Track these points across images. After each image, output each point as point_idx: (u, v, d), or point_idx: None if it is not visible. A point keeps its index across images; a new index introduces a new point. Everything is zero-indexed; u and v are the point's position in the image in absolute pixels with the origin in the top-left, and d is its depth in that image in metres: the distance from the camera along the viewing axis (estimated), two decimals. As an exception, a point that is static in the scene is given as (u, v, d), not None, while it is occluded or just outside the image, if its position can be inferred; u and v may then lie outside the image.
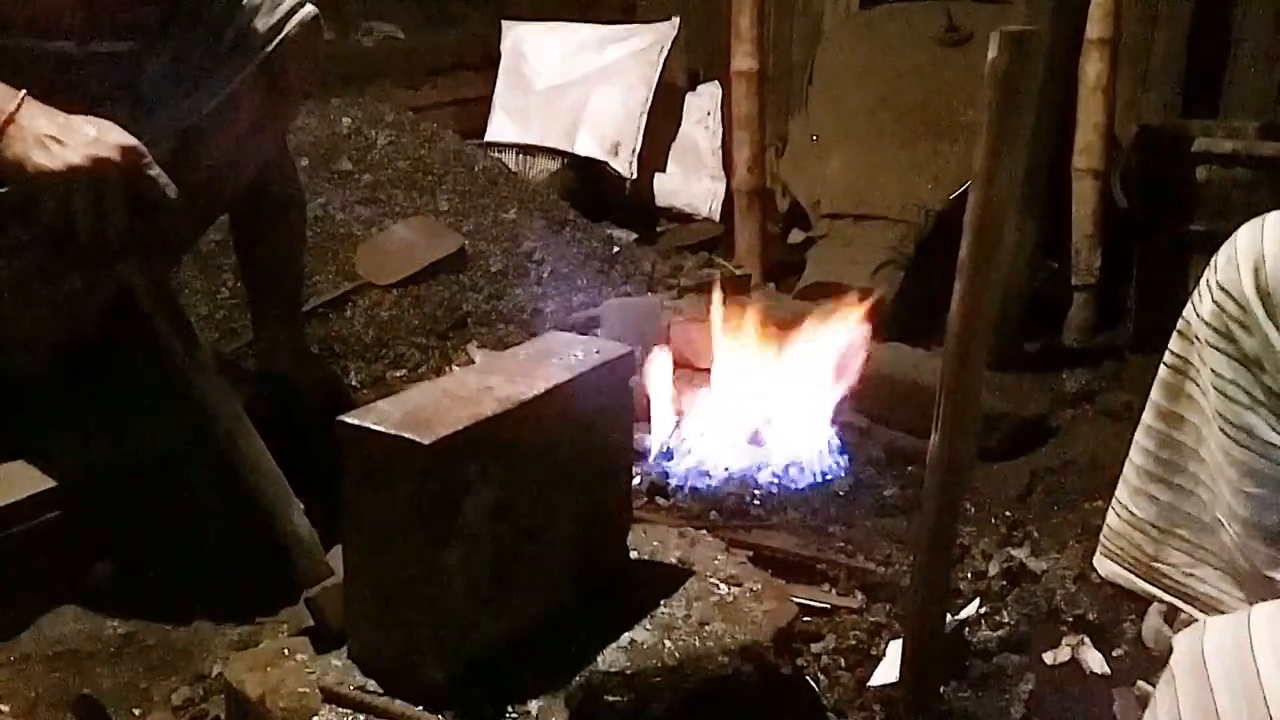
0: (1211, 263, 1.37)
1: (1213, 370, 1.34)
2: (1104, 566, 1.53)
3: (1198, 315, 1.37)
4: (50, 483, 1.55)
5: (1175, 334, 1.41)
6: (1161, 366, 1.44)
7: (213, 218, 1.81)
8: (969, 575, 1.84)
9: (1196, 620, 1.47)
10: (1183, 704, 0.99)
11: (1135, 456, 1.48)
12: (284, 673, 1.25)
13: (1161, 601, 1.51)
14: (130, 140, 1.35)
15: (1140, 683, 1.56)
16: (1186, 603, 1.47)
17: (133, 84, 1.51)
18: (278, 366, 1.95)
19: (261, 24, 1.60)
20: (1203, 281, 1.37)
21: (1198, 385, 1.39)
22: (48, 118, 1.33)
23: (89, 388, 1.75)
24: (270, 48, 1.61)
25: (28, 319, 1.64)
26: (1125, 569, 1.50)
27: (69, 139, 1.31)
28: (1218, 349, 1.33)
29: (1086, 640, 1.67)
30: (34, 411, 1.68)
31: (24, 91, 1.32)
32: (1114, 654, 1.65)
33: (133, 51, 1.51)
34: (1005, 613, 1.74)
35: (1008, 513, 2.05)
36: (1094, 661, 1.64)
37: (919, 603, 1.27)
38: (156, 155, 1.40)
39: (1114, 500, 1.52)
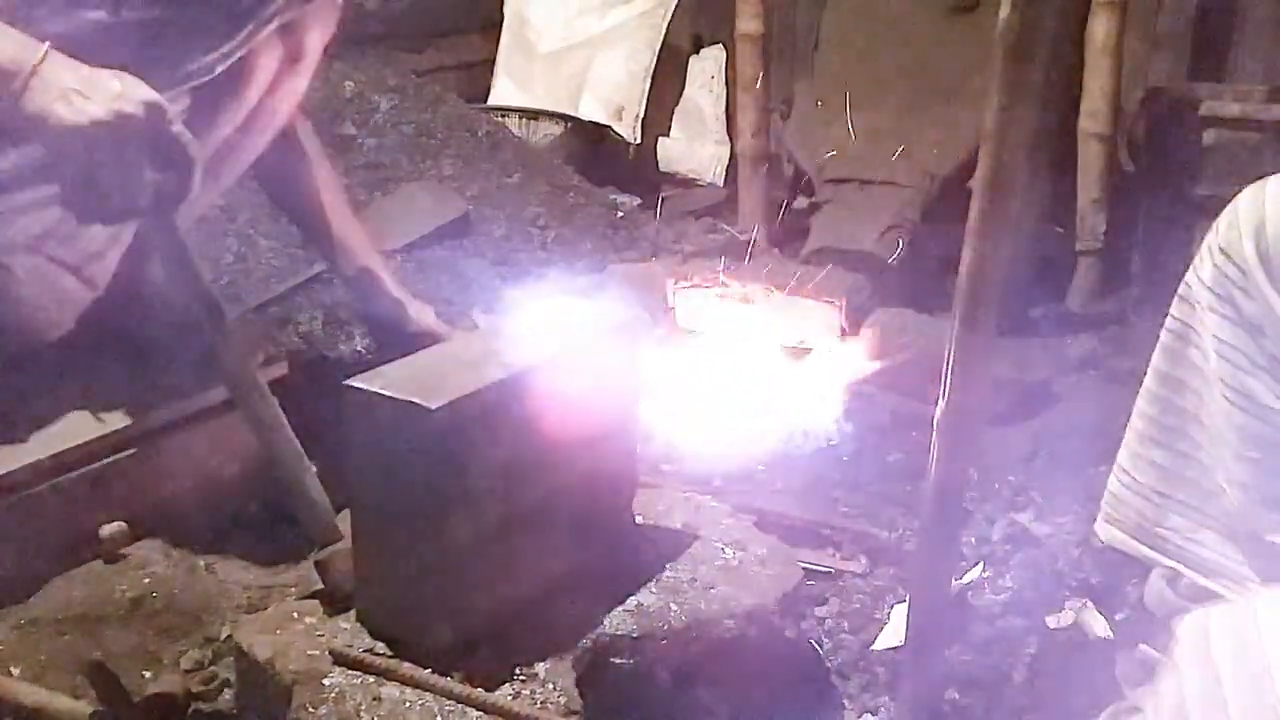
0: (1214, 226, 1.37)
1: (1214, 335, 1.34)
2: (1105, 531, 1.54)
3: (1199, 280, 1.37)
4: (62, 446, 1.55)
5: (1176, 298, 1.42)
6: (1163, 331, 1.44)
7: (225, 182, 1.81)
8: (972, 539, 1.84)
9: (1199, 585, 1.47)
10: (1189, 695, 0.99)
11: (1137, 421, 1.48)
12: (293, 635, 1.26)
13: (1163, 566, 1.52)
14: (154, 96, 1.34)
15: (1143, 646, 1.56)
16: (1188, 567, 1.47)
17: (157, 46, 1.51)
18: (379, 309, 1.98)
19: None
20: (1204, 245, 1.37)
21: (1199, 350, 1.39)
22: (72, 71, 1.31)
23: (102, 348, 1.75)
24: (288, 13, 1.60)
25: (46, 278, 1.64)
26: (1126, 534, 1.51)
27: (92, 92, 1.30)
28: (1219, 313, 1.33)
29: (1089, 604, 1.68)
30: (49, 373, 1.68)
31: (48, 44, 1.31)
32: (1117, 618, 1.65)
33: (161, 17, 1.51)
34: (1008, 577, 1.75)
35: (1011, 477, 2.05)
36: (1097, 625, 1.65)
37: (925, 567, 1.28)
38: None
39: (1115, 465, 1.52)
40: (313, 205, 2.00)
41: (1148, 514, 1.47)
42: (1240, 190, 1.38)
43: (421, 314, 2.06)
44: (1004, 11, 1.03)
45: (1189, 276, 1.39)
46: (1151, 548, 1.48)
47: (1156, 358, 1.45)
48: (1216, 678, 0.96)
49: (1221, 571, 1.43)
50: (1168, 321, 1.42)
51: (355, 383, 1.20)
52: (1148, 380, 1.46)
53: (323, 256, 2.18)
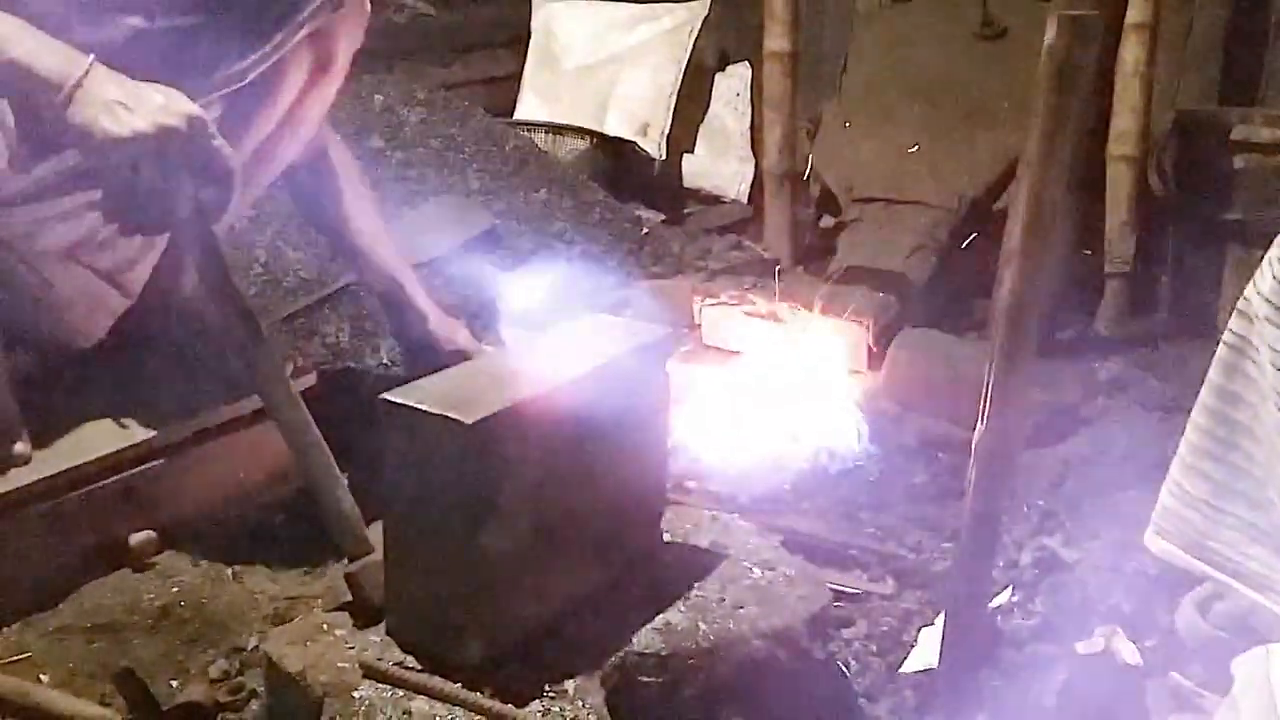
0: (1276, 240, 1.37)
1: (1270, 347, 1.34)
2: (1155, 544, 1.52)
3: (1258, 292, 1.36)
4: (93, 454, 1.56)
5: (1235, 312, 1.41)
6: (1220, 345, 1.43)
7: (256, 190, 1.82)
8: (1001, 563, 1.83)
9: (1234, 612, 1.46)
10: None
11: (1190, 434, 1.47)
12: (324, 648, 1.26)
13: (1213, 580, 1.51)
14: (196, 109, 1.35)
15: (1173, 674, 1.55)
16: (1238, 581, 1.46)
17: (190, 54, 1.52)
18: (410, 328, 1.99)
19: None
20: (1265, 259, 1.37)
21: (1255, 363, 1.38)
22: (116, 84, 1.33)
23: (135, 356, 1.76)
24: (318, 20, 1.61)
25: (81, 284, 1.65)
26: (1176, 546, 1.49)
27: (136, 105, 1.31)
28: (1277, 326, 1.33)
29: (1119, 630, 1.66)
30: (82, 380, 1.69)
31: (92, 56, 1.32)
32: (1147, 645, 1.64)
33: (195, 25, 1.52)
34: (1038, 602, 1.73)
35: (1040, 501, 2.03)
36: (1127, 652, 1.63)
37: (961, 591, 1.27)
38: None
39: (1168, 478, 1.51)
40: (345, 223, 2.00)
41: (1199, 526, 1.46)
42: (1268, 218, 1.37)
43: (454, 332, 2.06)
44: (1050, 35, 1.03)
45: (1248, 290, 1.38)
46: (1202, 561, 1.47)
47: (1212, 371, 1.44)
48: (1276, 714, 0.95)
49: (1272, 586, 1.42)
50: (1225, 335, 1.42)
51: (391, 397, 1.20)
52: (1203, 393, 1.45)
53: (355, 273, 2.19)
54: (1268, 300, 1.32)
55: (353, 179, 2.01)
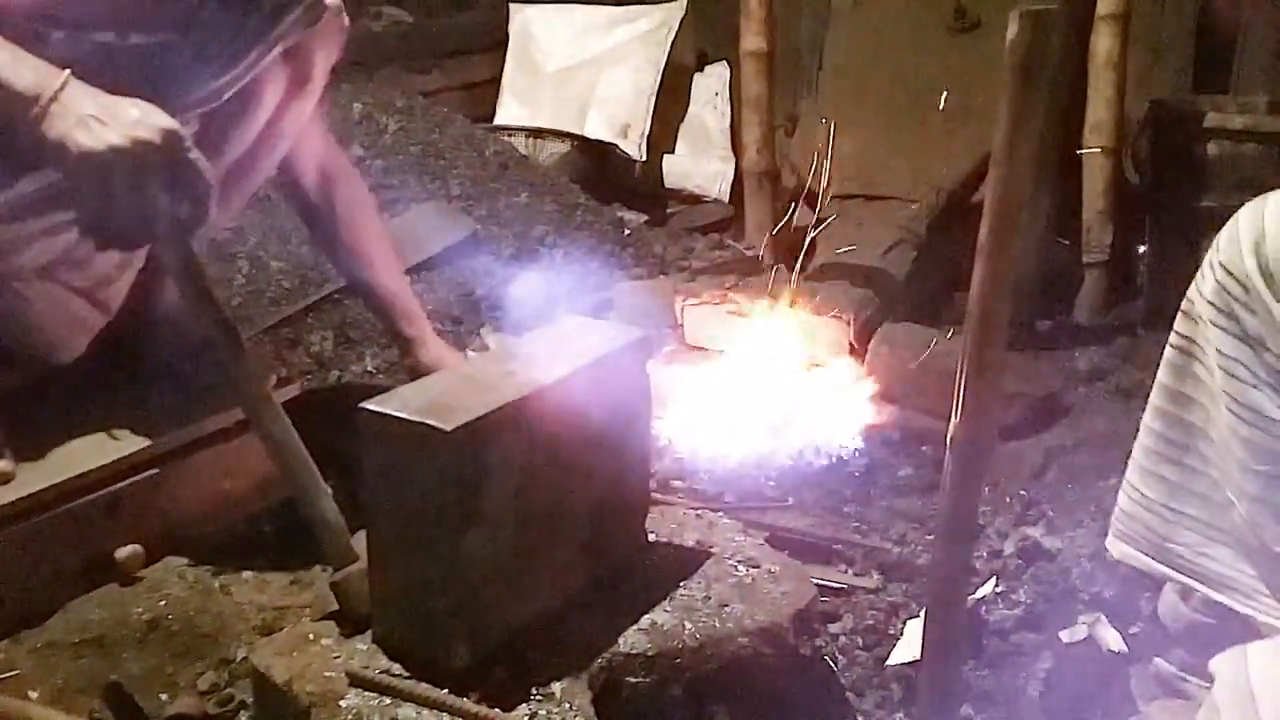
0: (1214, 242, 1.38)
1: (1217, 349, 1.35)
2: (1116, 548, 1.54)
3: (1201, 295, 1.37)
4: (78, 469, 1.56)
5: (1180, 314, 1.43)
6: (1168, 348, 1.45)
7: (235, 205, 1.82)
8: (985, 554, 1.85)
9: (1211, 598, 1.47)
10: None
11: (1144, 438, 1.49)
12: (310, 657, 1.26)
13: (1175, 582, 1.52)
14: (172, 123, 1.35)
15: (1157, 660, 1.57)
16: (1200, 582, 1.48)
17: (163, 71, 1.52)
18: (425, 362, 1.97)
19: (286, 12, 1.60)
20: (1205, 261, 1.38)
21: (1204, 365, 1.40)
22: (91, 98, 1.32)
23: (117, 372, 1.77)
24: (293, 36, 1.62)
25: (58, 302, 1.65)
26: (1137, 550, 1.51)
27: (111, 119, 1.31)
28: (1221, 328, 1.34)
29: (1103, 618, 1.68)
30: (64, 397, 1.69)
31: (68, 71, 1.32)
32: (1131, 631, 1.66)
33: (167, 42, 1.52)
34: (1021, 591, 1.75)
35: (1022, 491, 2.05)
36: (1111, 639, 1.65)
37: (940, 585, 1.28)
38: None
39: (1124, 481, 1.53)
40: (354, 257, 1.99)
41: (1158, 529, 1.47)
42: (1243, 204, 1.39)
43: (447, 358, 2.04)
44: (1012, 31, 1.04)
45: (1191, 292, 1.40)
46: (1163, 563, 1.49)
47: (1162, 373, 1.45)
48: (1256, 715, 0.96)
49: (1233, 586, 1.43)
50: (1171, 337, 1.43)
51: (370, 405, 1.21)
52: (1154, 396, 1.47)
53: (366, 305, 2.18)
54: (1210, 303, 1.34)
55: (360, 209, 2.00)
